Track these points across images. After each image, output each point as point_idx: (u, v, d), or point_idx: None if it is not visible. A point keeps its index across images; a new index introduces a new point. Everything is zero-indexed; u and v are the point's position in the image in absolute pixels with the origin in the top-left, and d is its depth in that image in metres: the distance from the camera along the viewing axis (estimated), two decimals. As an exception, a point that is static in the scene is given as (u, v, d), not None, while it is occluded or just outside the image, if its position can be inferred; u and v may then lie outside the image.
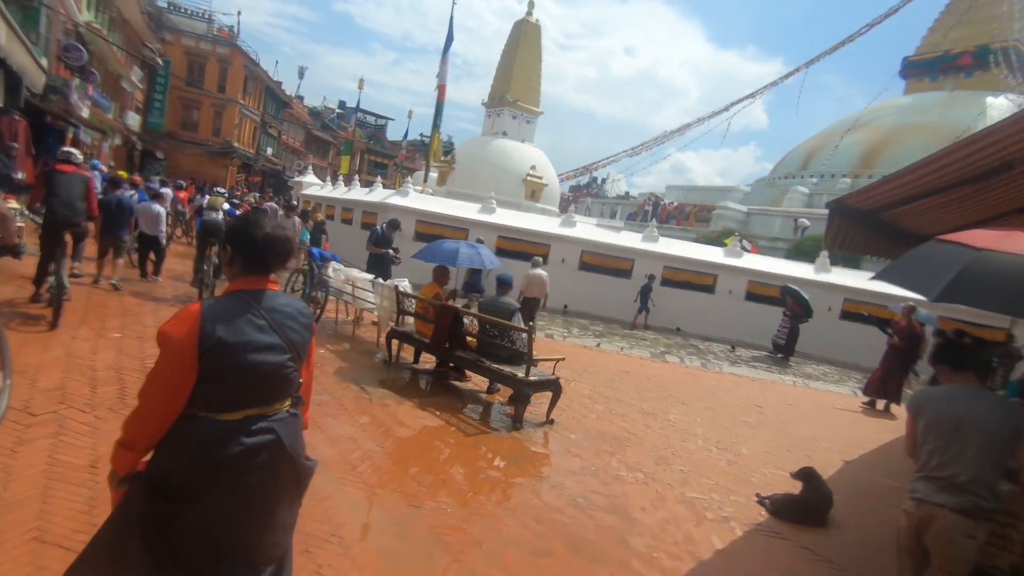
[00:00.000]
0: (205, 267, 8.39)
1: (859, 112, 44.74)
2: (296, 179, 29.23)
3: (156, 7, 34.90)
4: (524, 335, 5.47)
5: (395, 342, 6.87)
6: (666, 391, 8.33)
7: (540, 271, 11.30)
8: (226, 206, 10.25)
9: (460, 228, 14.90)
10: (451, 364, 6.39)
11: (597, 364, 9.28)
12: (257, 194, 32.40)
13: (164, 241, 9.21)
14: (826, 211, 5.32)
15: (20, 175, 11.76)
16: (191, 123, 37.06)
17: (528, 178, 20.32)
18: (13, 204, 9.76)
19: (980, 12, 41.92)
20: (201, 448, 1.57)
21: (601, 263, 15.10)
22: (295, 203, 19.72)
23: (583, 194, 58.09)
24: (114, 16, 24.50)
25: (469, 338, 6.00)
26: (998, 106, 33.02)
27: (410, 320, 6.90)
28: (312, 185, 25.12)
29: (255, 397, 1.65)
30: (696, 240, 21.85)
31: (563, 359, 5.85)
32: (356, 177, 20.41)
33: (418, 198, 15.57)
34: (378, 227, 9.49)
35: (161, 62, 32.59)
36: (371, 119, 65.51)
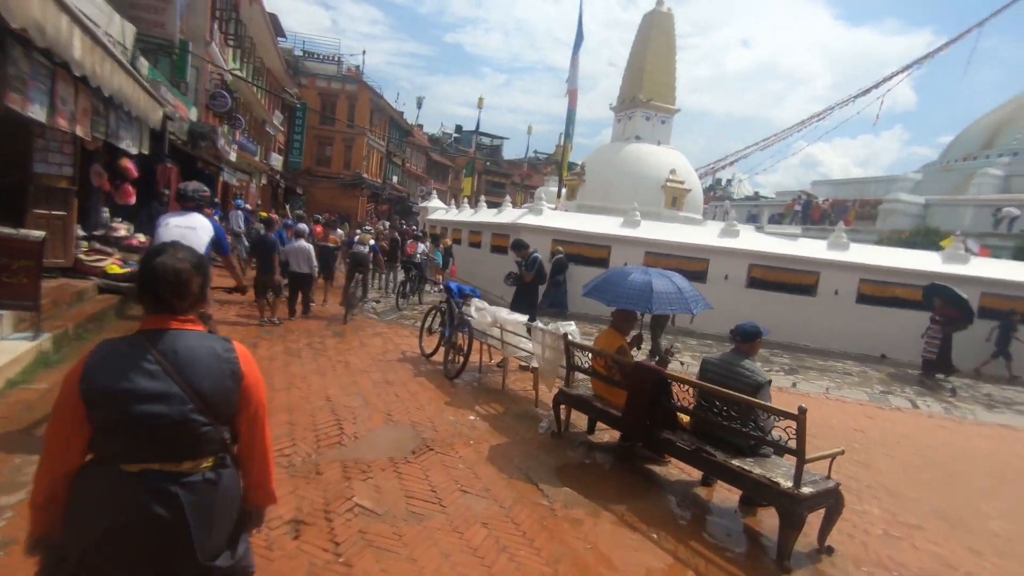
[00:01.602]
0: (352, 291, 9.95)
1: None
2: (421, 205, 29.45)
3: (293, 56, 37.70)
4: (773, 417, 3.59)
5: (565, 407, 5.27)
6: (939, 465, 5.88)
7: None
8: (372, 241, 11.09)
9: (602, 245, 13.19)
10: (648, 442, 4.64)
11: (813, 418, 6.97)
12: (387, 222, 33.32)
13: (315, 277, 9.89)
14: None
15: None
16: (325, 159, 39.36)
17: (668, 184, 18.06)
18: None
19: None
20: (89, 493, 1.44)
21: (776, 278, 12.52)
22: (420, 230, 19.23)
23: (711, 197, 53.61)
24: (257, 66, 26.29)
25: (681, 414, 4.22)
26: None
27: (581, 375, 5.29)
28: (437, 209, 24.90)
29: (152, 451, 1.46)
30: (879, 243, 18.17)
31: (842, 452, 3.85)
32: (482, 198, 19.58)
33: (553, 215, 14.12)
34: (535, 253, 7.98)
35: (299, 104, 34.84)
36: (487, 140, 66.31)
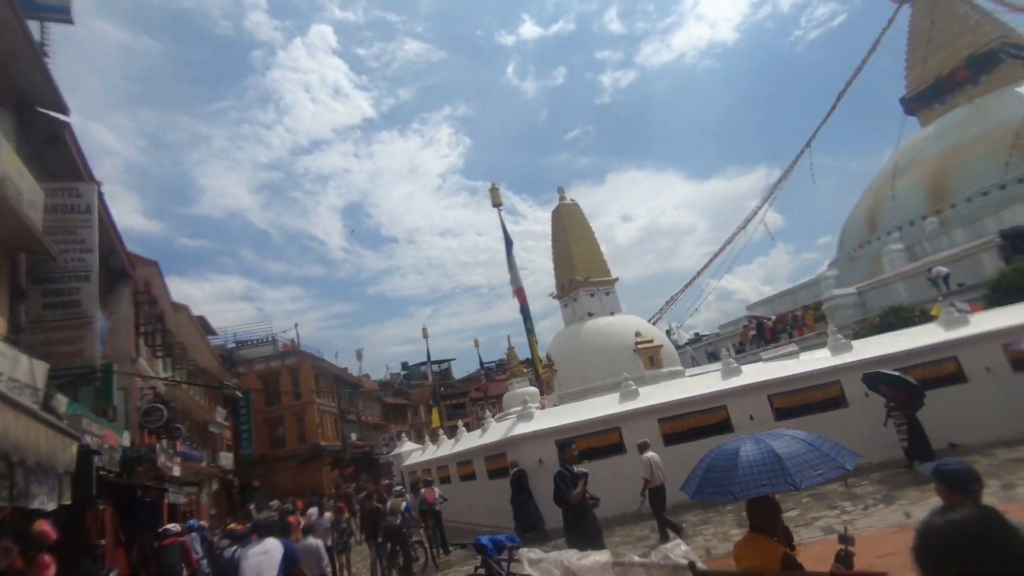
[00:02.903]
0: (384, 565, 9.64)
1: (888, 161, 42.77)
2: (393, 453, 27.12)
3: (227, 349, 37.38)
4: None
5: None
6: None
7: (652, 452, 9.29)
8: (404, 505, 10.76)
9: (609, 429, 11.88)
10: None
11: None
12: (354, 484, 30.24)
13: None
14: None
15: (112, 573, 9.85)
16: (278, 439, 36.89)
17: (639, 347, 17.67)
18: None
19: (944, 33, 41.78)
20: None
21: (800, 401, 11.50)
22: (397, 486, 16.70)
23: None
24: (191, 368, 25.35)
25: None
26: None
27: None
28: (412, 452, 22.82)
29: None
30: (855, 336, 18.02)
31: None
32: (459, 423, 18.10)
33: (545, 415, 12.89)
34: (563, 468, 6.61)
35: (240, 394, 33.42)
36: (435, 366, 66.23)
